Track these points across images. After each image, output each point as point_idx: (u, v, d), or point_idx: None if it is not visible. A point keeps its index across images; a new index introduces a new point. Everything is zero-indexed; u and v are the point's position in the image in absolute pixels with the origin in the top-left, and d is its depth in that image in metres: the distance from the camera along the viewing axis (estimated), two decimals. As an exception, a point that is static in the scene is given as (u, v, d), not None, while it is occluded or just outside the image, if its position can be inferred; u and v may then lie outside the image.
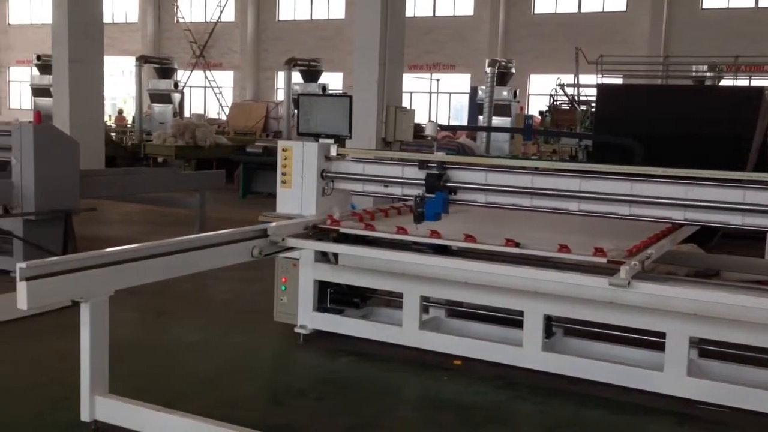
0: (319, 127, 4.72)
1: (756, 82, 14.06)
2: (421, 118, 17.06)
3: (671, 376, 3.72)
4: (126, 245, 3.23)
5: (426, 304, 4.61)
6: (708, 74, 13.23)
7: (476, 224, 4.28)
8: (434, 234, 4.05)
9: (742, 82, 15.66)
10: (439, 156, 4.42)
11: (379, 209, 4.82)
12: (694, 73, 13.55)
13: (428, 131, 7.16)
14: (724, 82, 13.56)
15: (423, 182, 4.20)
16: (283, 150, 4.70)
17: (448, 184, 4.19)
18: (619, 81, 15.89)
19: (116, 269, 3.10)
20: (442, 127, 11.50)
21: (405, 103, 10.26)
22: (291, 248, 4.19)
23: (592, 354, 4.08)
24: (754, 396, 3.57)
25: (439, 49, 27.46)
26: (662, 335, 3.80)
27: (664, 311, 3.69)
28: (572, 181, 4.09)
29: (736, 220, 3.77)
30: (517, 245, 3.85)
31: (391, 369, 4.18)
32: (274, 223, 4.13)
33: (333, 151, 4.66)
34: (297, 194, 4.60)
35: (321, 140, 4.62)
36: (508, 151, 14.05)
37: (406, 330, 4.33)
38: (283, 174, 4.68)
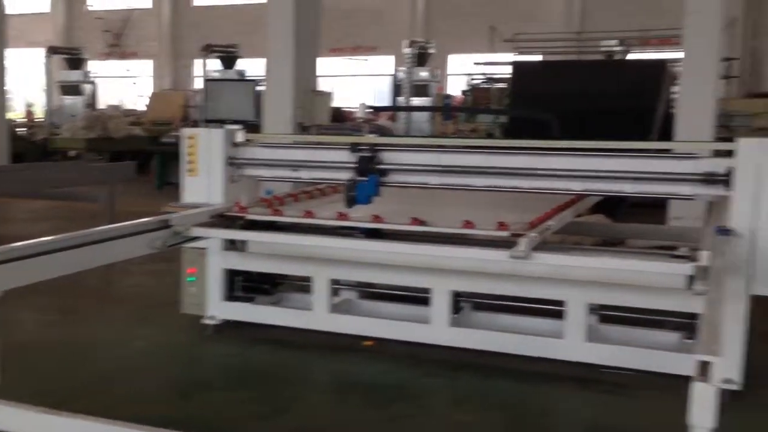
0: (225, 113, 4.67)
1: (664, 55, 14.50)
2: (344, 102, 17.02)
3: (572, 343, 3.84)
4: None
5: (338, 286, 4.62)
6: (617, 49, 13.62)
7: (401, 205, 4.31)
8: (342, 216, 4.06)
9: (652, 56, 16.16)
10: (371, 138, 4.47)
11: (290, 194, 4.79)
12: (604, 48, 13.93)
13: (358, 113, 7.18)
14: (633, 56, 13.96)
15: (350, 165, 4.20)
16: (189, 138, 4.63)
17: (380, 167, 4.20)
18: (537, 58, 16.17)
19: (2, 268, 2.97)
20: (373, 109, 11.50)
21: (328, 88, 10.20)
22: (197, 238, 4.13)
23: (498, 326, 4.16)
24: (651, 357, 3.71)
25: (360, 32, 27.37)
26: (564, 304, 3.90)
27: (563, 280, 3.80)
28: (476, 157, 4.16)
29: (630, 188, 3.90)
30: (423, 223, 3.89)
31: (302, 354, 4.17)
32: (179, 213, 4.05)
33: (240, 137, 4.60)
34: (203, 182, 4.52)
35: (227, 126, 4.57)
36: (428, 131, 14.16)
37: (316, 314, 4.33)
38: (189, 162, 4.60)
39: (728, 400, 3.45)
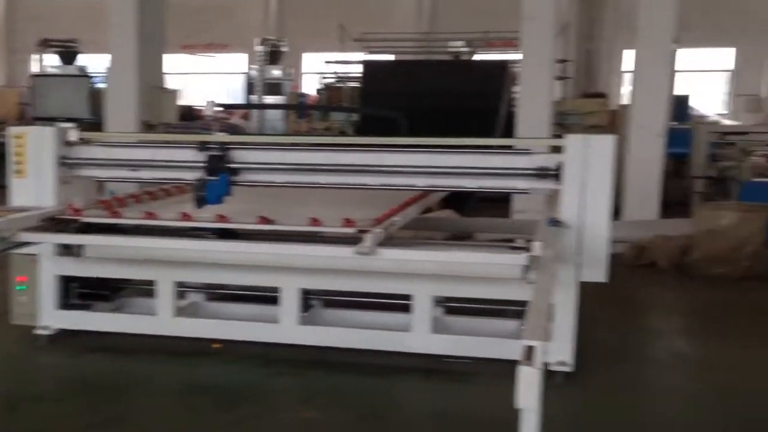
0: (56, 111, 4.40)
1: (507, 57, 15.18)
2: (196, 100, 16.54)
3: (418, 335, 3.93)
4: None
5: (184, 289, 4.48)
6: (464, 49, 14.12)
7: (250, 204, 4.23)
8: (185, 217, 3.94)
9: (496, 57, 16.87)
10: (220, 136, 4.35)
11: (132, 195, 4.60)
12: (452, 49, 14.40)
13: (207, 111, 7.01)
14: (478, 57, 14.51)
15: (199, 164, 4.08)
16: (16, 137, 4.35)
17: (231, 165, 4.09)
18: (389, 57, 16.44)
19: None
20: (222, 107, 11.23)
21: (180, 85, 9.86)
22: (25, 243, 3.87)
23: (347, 323, 4.19)
24: (491, 345, 3.87)
25: (212, 28, 26.65)
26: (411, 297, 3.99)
27: (409, 274, 3.88)
28: (323, 155, 4.18)
29: (471, 184, 4.05)
30: (270, 222, 3.85)
31: (144, 361, 4.01)
32: (4, 218, 3.77)
33: (73, 136, 4.35)
34: (33, 184, 4.25)
35: (60, 124, 4.32)
36: (282, 130, 14.06)
37: (160, 318, 4.17)
38: (17, 163, 4.32)
39: (562, 382, 3.68)
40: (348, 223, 3.73)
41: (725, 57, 21.41)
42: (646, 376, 3.99)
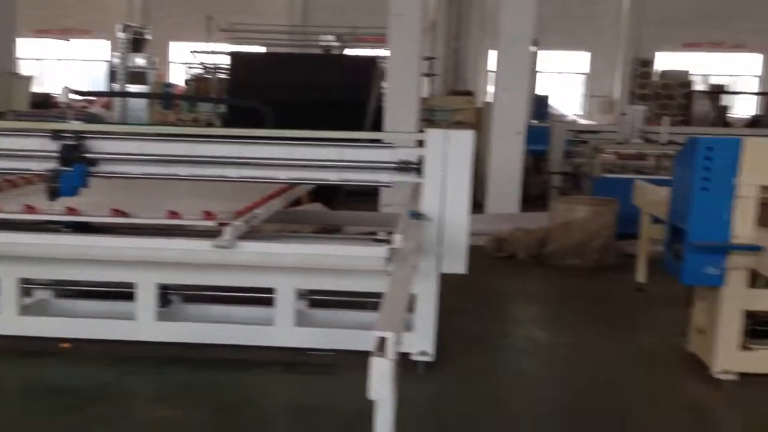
0: None
1: (377, 53, 15.35)
2: (54, 88, 15.62)
3: (281, 329, 3.88)
4: None
5: (30, 286, 4.21)
6: (335, 44, 14.14)
7: (107, 197, 4.03)
8: (30, 209, 3.70)
9: (366, 53, 17.03)
10: (76, 125, 4.11)
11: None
12: (323, 43, 14.39)
13: (61, 98, 6.62)
14: (349, 52, 14.58)
15: (52, 154, 3.84)
16: None
17: (87, 156, 3.86)
18: (260, 50, 16.21)
19: None
20: (78, 93, 10.64)
21: (34, 71, 9.26)
22: None
23: (208, 318, 4.08)
24: (354, 337, 3.87)
25: (73, 13, 25.27)
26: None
27: (272, 268, 3.82)
28: (182, 146, 4.05)
29: (335, 177, 4.05)
30: (124, 215, 3.69)
31: (-18, 364, 3.74)
32: None
33: None
34: None
35: None
36: (145, 120, 13.54)
37: (3, 317, 3.89)
38: None
39: (423, 371, 3.75)
40: (208, 215, 3.64)
41: (582, 60, 22.67)
42: (503, 362, 4.15)
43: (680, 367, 4.03)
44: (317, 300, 4.21)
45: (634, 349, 4.41)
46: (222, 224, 3.57)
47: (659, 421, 3.45)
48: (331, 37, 14.35)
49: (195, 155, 4.01)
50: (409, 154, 3.95)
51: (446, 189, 3.84)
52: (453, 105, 11.62)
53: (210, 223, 3.62)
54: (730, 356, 3.78)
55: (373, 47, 14.08)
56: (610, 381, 3.90)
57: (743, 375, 3.76)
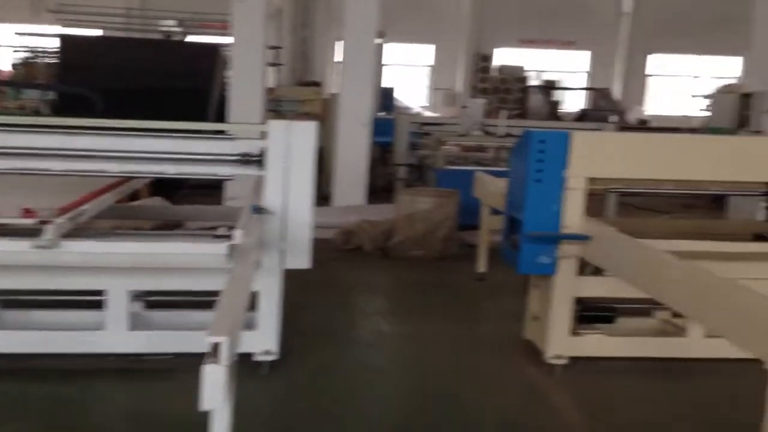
0: None
1: (221, 40, 14.93)
2: None
3: (114, 334, 3.64)
4: None
5: None
6: (176, 29, 13.57)
7: None
8: None
9: (210, 40, 16.49)
10: None
11: None
12: (163, 28, 13.78)
13: None
14: (192, 39, 14.06)
15: None
16: None
17: None
18: (99, 33, 15.28)
19: None
20: None
21: None
22: None
23: (30, 324, 3.75)
24: (194, 338, 3.67)
25: None
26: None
27: (102, 268, 3.56)
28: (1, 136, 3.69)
29: (173, 170, 3.84)
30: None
31: None
32: None
33: None
34: None
35: None
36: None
37: None
38: None
39: (268, 372, 3.65)
40: (28, 213, 3.34)
41: (427, 53, 23.21)
42: (349, 356, 4.12)
43: (517, 353, 4.18)
44: (157, 301, 3.99)
45: (475, 337, 4.54)
46: (43, 222, 3.28)
47: (494, 406, 3.55)
48: (172, 22, 13.77)
49: (16, 146, 3.68)
50: (251, 146, 3.81)
51: (289, 182, 3.75)
52: (300, 96, 11.52)
53: (29, 222, 3.32)
54: (561, 341, 3.96)
55: (216, 34, 13.64)
56: (450, 369, 3.99)
57: (573, 359, 3.96)
